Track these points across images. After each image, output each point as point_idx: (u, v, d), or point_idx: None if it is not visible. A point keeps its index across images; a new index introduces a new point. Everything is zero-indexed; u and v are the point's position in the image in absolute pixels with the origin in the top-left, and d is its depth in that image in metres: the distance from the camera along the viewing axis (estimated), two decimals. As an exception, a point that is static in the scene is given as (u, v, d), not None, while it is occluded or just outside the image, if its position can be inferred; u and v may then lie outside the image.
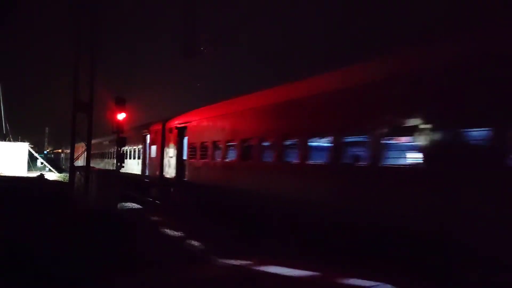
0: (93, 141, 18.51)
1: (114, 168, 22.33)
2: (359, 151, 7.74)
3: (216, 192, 13.26)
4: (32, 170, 40.20)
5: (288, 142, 9.81)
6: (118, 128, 18.72)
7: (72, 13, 17.01)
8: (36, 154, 46.75)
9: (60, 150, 76.37)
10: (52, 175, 38.73)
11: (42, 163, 47.44)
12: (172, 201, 17.45)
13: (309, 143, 9.00)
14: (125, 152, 23.13)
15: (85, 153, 17.37)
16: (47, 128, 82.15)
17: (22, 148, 40.63)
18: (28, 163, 41.23)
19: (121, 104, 18.12)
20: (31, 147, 44.10)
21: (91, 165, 18.25)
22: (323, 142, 8.67)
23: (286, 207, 9.38)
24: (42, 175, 32.39)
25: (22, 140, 43.87)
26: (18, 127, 53.11)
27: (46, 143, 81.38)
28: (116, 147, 26.07)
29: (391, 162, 7.06)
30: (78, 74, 16.69)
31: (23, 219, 10.50)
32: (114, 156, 29.11)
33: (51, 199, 15.82)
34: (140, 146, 22.71)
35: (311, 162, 8.94)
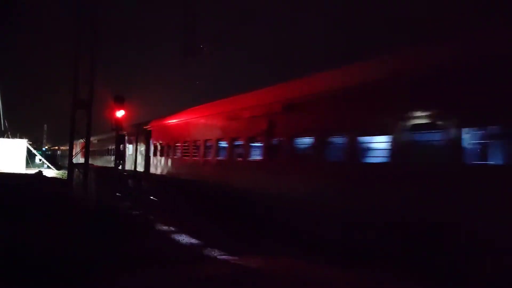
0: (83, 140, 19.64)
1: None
2: (241, 151, 12.48)
3: (166, 180, 18.16)
4: (30, 167, 40.11)
5: (208, 144, 14.58)
6: (117, 125, 18.74)
7: (72, 12, 17.00)
8: (34, 151, 46.63)
9: (56, 148, 76.24)
10: (50, 172, 38.68)
11: (40, 160, 47.34)
12: (141, 189, 20.88)
13: (219, 145, 13.84)
14: (110, 150, 28.36)
15: (80, 150, 17.35)
16: (45, 125, 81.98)
17: (20, 145, 40.48)
18: (27, 160, 41.12)
19: (120, 102, 18.13)
20: (30, 144, 43.97)
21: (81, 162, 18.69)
22: (225, 144, 13.46)
23: (208, 186, 13.99)
24: (40, 172, 32.36)
25: (21, 137, 43.76)
26: (16, 124, 53.10)
27: (44, 140, 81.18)
28: (104, 146, 29.58)
29: (253, 157, 11.96)
30: (78, 72, 16.69)
31: (22, 217, 10.49)
32: (104, 154, 30.55)
33: (50, 196, 15.79)
34: (121, 145, 25.06)
35: (219, 158, 13.80)
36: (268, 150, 11.09)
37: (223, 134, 13.59)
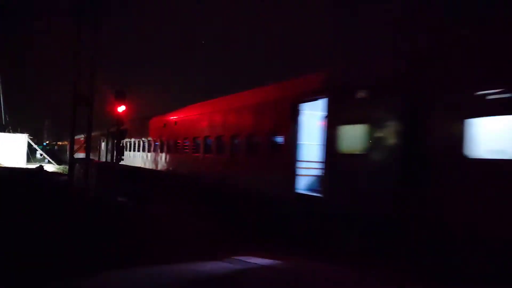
0: (84, 136, 22.37)
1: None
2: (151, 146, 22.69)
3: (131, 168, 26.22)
4: (31, 162, 40.12)
5: (141, 142, 24.46)
6: (118, 120, 18.67)
7: (73, 9, 16.92)
8: (35, 146, 46.63)
9: (54, 143, 76.43)
10: (51, 167, 38.69)
11: (41, 154, 47.35)
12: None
13: (144, 143, 23.88)
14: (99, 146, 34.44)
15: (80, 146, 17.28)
16: (46, 121, 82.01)
17: (21, 140, 40.50)
18: (28, 154, 41.12)
19: (121, 97, 18.04)
20: (31, 139, 43.96)
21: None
22: (146, 143, 23.91)
23: (151, 172, 21.71)
24: (41, 167, 32.30)
25: (22, 132, 43.75)
26: (17, 118, 53.05)
27: (45, 135, 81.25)
28: (107, 141, 32.95)
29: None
30: (77, 67, 16.62)
31: (21, 211, 10.45)
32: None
33: (49, 192, 15.78)
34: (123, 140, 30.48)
35: (144, 151, 23.76)
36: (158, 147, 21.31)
37: (143, 136, 24.02)
